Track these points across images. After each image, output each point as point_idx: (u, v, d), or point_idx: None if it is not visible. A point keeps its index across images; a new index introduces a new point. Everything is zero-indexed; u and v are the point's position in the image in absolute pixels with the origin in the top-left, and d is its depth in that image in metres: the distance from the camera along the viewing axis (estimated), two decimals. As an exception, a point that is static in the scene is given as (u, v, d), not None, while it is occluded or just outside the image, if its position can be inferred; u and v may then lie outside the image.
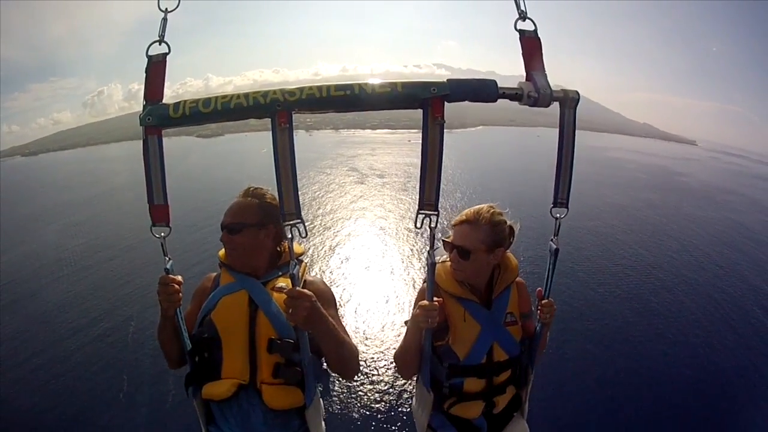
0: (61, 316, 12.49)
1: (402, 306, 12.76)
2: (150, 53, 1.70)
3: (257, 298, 1.89)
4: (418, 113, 1.68)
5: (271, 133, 1.62)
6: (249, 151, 46.62)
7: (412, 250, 18.46)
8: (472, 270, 2.03)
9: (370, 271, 16.16)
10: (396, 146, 61.44)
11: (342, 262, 16.88)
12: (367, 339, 10.08)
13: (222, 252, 2.07)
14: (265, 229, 1.96)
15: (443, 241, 2.07)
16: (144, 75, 1.71)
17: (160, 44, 1.70)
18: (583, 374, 8.60)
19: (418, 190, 1.68)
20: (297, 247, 1.71)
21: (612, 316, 12.12)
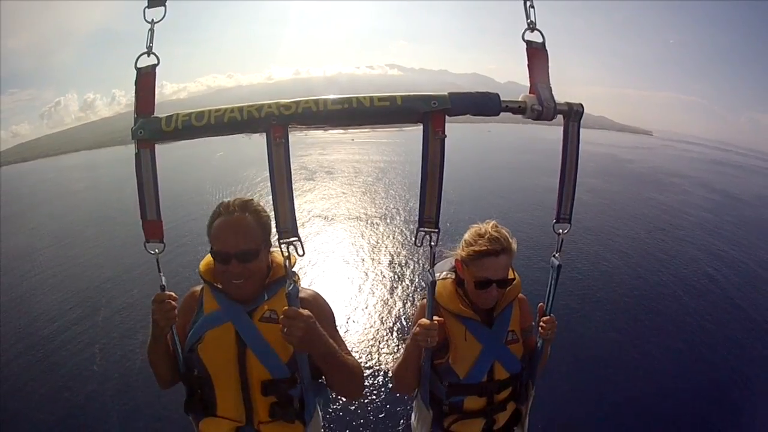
0: (35, 323, 11.86)
1: (377, 303, 12.43)
2: (139, 65, 1.61)
3: (244, 335, 1.76)
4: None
5: (266, 146, 1.54)
6: (206, 155, 45.02)
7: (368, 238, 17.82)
8: (500, 295, 2.01)
9: (329, 261, 15.39)
10: (343, 145, 63.88)
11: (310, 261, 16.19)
12: (358, 350, 9.88)
13: (204, 266, 1.89)
14: (267, 247, 1.84)
15: (478, 280, 1.92)
16: (134, 87, 1.62)
17: (148, 56, 1.62)
18: (582, 383, 8.54)
19: (418, 206, 1.63)
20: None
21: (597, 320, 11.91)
